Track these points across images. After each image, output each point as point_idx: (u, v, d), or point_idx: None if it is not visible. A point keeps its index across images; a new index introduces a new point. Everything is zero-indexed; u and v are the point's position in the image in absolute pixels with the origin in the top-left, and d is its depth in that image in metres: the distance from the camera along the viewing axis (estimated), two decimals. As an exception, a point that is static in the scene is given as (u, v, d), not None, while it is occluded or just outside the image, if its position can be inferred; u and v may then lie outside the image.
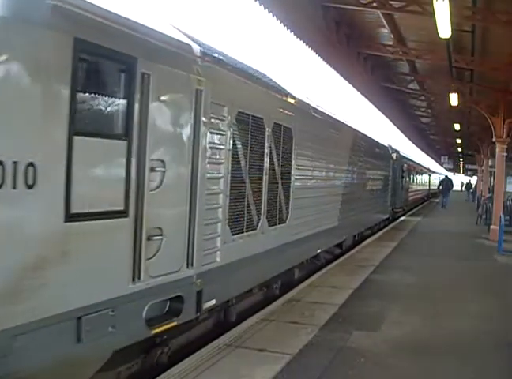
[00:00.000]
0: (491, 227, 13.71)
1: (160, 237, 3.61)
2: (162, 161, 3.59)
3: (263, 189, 5.54)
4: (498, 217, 12.65)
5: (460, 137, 27.21)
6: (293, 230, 6.59)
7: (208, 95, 4.13)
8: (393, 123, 25.70)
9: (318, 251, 8.26)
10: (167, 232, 3.67)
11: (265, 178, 5.56)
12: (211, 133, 4.28)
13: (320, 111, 8.16)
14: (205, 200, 4.18)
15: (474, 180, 46.14)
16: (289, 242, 6.45)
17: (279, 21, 8.90)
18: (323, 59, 11.69)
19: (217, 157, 4.45)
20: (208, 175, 4.24)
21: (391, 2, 9.12)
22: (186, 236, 3.95)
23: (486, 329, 5.42)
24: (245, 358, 4.29)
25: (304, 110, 7.13)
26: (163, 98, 3.59)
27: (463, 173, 57.60)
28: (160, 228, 3.61)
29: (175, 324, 3.86)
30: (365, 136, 12.45)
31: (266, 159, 5.61)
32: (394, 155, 17.74)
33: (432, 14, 7.06)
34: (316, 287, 7.15)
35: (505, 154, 14.13)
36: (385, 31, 11.34)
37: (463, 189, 51.66)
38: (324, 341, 4.80)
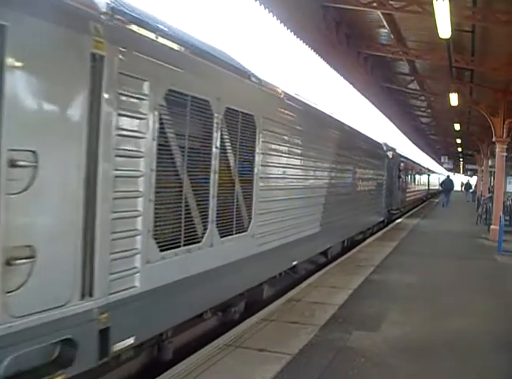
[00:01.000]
0: (491, 227, 13.71)
1: (29, 260, 2.61)
2: (32, 152, 2.63)
3: (211, 190, 4.43)
4: (498, 217, 12.65)
5: (460, 137, 27.20)
6: (258, 241, 5.45)
7: (115, 64, 3.14)
8: (393, 123, 25.68)
9: (294, 263, 6.92)
10: (42, 252, 2.68)
11: (213, 176, 4.46)
12: (121, 115, 3.24)
13: (298, 100, 7.02)
14: (111, 205, 3.17)
15: (473, 180, 46.15)
16: (253, 255, 5.32)
17: (279, 21, 8.91)
18: (323, 59, 11.68)
19: (133, 149, 3.40)
20: (117, 173, 3.23)
21: (391, 2, 9.11)
22: (80, 256, 2.95)
23: (486, 329, 5.42)
24: (245, 358, 4.29)
25: (274, 95, 6.00)
26: (30, 61, 2.62)
27: (463, 173, 57.61)
28: (29, 247, 2.63)
29: (63, 377, 2.84)
30: (356, 131, 11.39)
31: (215, 153, 4.47)
32: (390, 154, 16.68)
33: (432, 14, 7.06)
34: (316, 287, 7.14)
35: (505, 154, 14.13)
36: (385, 31, 11.34)
37: (462, 189, 51.63)
38: (324, 341, 4.80)
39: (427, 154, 48.48)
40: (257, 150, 5.36)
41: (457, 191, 40.12)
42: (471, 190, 38.38)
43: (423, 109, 22.95)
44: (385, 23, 10.54)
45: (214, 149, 4.47)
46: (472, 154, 34.00)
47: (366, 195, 12.36)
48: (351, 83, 14.43)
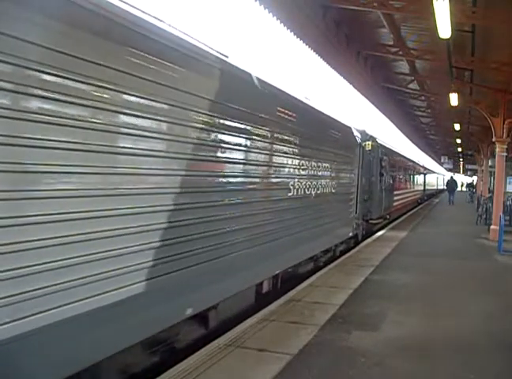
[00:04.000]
0: (491, 227, 13.71)
1: None
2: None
3: None
4: (498, 217, 12.64)
5: (460, 137, 27.20)
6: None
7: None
8: (393, 123, 25.70)
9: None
10: None
11: None
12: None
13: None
14: None
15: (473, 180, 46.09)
16: None
17: (279, 21, 8.92)
18: (323, 59, 11.69)
19: None
20: None
21: (391, 2, 9.12)
22: None
23: (486, 329, 5.41)
24: (245, 358, 4.29)
25: None
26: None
27: (463, 173, 57.59)
28: None
29: None
30: (303, 106, 7.35)
31: None
32: (368, 144, 12.17)
33: (432, 14, 7.06)
34: (316, 287, 7.15)
35: (505, 154, 14.12)
36: (385, 31, 11.34)
37: (463, 188, 51.44)
38: (324, 341, 4.80)
39: (427, 154, 48.49)
40: None
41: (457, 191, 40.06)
42: (474, 190, 38.41)
43: (423, 109, 22.96)
44: (385, 23, 10.55)
45: None
46: (472, 154, 34.00)
47: (315, 202, 7.68)
48: (351, 83, 14.44)
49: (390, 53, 12.81)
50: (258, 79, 5.62)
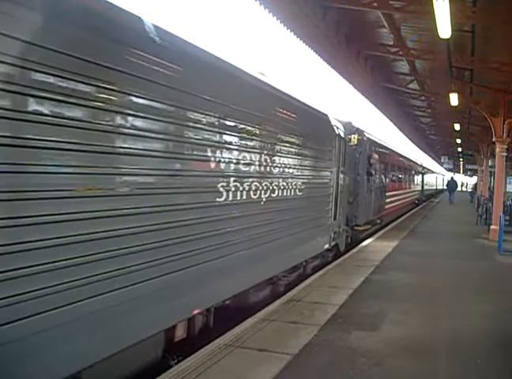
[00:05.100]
0: (491, 227, 13.71)
1: None
2: None
3: None
4: (498, 217, 12.64)
5: (460, 137, 27.19)
6: None
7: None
8: (393, 123, 25.69)
9: None
10: None
11: None
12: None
13: None
14: None
15: (473, 180, 46.06)
16: None
17: (279, 21, 8.91)
18: (323, 59, 11.69)
19: None
20: None
21: (391, 2, 9.13)
22: None
23: (486, 329, 5.41)
24: (245, 358, 4.29)
25: None
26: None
27: (463, 173, 57.59)
28: None
29: None
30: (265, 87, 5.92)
31: None
32: (354, 138, 10.44)
33: (432, 14, 7.06)
34: (316, 287, 7.14)
35: (505, 154, 14.13)
36: (385, 31, 11.34)
37: (462, 188, 51.38)
38: (324, 341, 4.80)
39: (427, 154, 48.47)
40: None
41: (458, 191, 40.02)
42: (469, 190, 38.69)
43: (423, 109, 22.97)
44: (385, 23, 10.55)
45: None
46: (472, 154, 33.99)
47: (268, 209, 5.78)
48: (351, 83, 14.44)
49: (390, 53, 12.82)
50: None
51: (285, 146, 6.29)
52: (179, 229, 3.95)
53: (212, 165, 4.48)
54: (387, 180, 16.21)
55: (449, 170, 52.88)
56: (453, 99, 13.32)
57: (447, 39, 8.36)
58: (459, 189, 42.82)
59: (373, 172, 12.53)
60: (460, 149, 34.26)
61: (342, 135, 9.29)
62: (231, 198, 4.83)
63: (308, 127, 7.31)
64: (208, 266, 4.43)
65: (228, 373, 3.99)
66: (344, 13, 10.40)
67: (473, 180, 52.27)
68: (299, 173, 6.80)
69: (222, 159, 4.63)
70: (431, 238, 13.80)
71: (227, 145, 4.74)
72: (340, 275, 8.01)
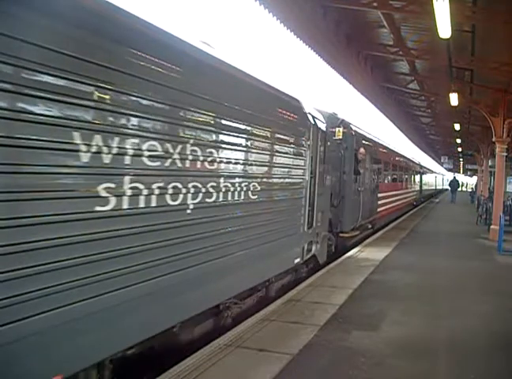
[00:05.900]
0: (491, 226, 13.71)
1: None
2: None
3: None
4: (498, 217, 12.65)
5: (460, 137, 27.21)
6: None
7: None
8: (393, 123, 25.70)
9: None
10: None
11: None
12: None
13: None
14: None
15: (473, 180, 46.06)
16: None
17: (279, 21, 8.91)
18: (323, 59, 11.69)
19: None
20: None
21: (391, 2, 9.13)
22: None
23: (486, 329, 5.42)
24: (245, 358, 4.29)
25: None
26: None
27: (463, 173, 57.61)
28: None
29: None
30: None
31: None
32: (339, 131, 9.65)
33: (432, 14, 7.07)
34: (316, 286, 7.14)
35: (505, 154, 14.14)
36: (385, 31, 11.35)
37: (463, 188, 51.38)
38: (324, 341, 4.79)
39: (427, 153, 48.45)
40: None
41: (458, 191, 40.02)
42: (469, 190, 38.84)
43: (423, 109, 22.97)
44: (385, 23, 10.55)
45: None
46: (472, 154, 34.00)
47: (211, 217, 4.35)
48: (351, 83, 14.44)
49: (390, 53, 12.82)
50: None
51: (224, 133, 4.54)
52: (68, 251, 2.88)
53: (133, 160, 3.31)
54: (380, 180, 14.48)
55: (449, 170, 52.89)
56: (453, 99, 13.32)
57: (447, 39, 8.37)
58: (459, 189, 42.81)
59: (361, 171, 11.08)
60: (460, 149, 34.29)
61: (322, 127, 7.70)
62: (152, 205, 3.49)
63: (266, 111, 5.53)
64: (130, 297, 3.32)
65: (228, 373, 3.99)
66: (344, 13, 10.41)
67: (473, 180, 52.36)
68: (248, 171, 5.09)
69: (147, 155, 3.41)
70: (431, 237, 13.79)
71: (154, 138, 3.48)
72: (341, 275, 8.00)
